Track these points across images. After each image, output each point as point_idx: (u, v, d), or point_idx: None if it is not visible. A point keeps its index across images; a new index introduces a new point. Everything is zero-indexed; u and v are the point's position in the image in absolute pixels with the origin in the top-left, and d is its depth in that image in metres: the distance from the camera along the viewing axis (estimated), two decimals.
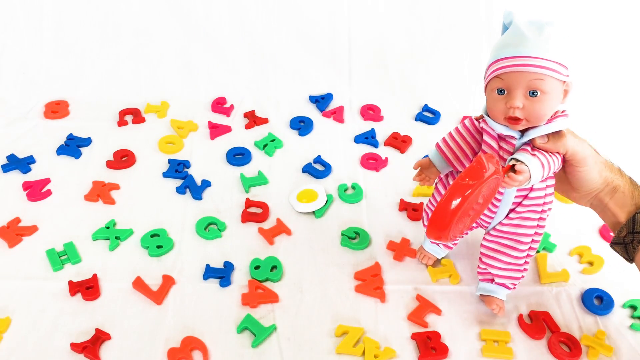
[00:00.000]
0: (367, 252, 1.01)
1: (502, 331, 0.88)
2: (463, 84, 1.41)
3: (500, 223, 0.84)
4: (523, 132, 0.76)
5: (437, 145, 0.85)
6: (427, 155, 0.87)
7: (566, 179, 0.81)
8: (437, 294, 0.94)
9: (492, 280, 0.90)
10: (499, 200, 0.82)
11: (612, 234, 0.81)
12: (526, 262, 0.87)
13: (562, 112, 0.76)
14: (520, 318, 0.90)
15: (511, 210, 0.83)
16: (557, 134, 0.75)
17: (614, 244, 0.81)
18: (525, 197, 0.81)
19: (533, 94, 0.71)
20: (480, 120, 0.81)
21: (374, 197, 1.12)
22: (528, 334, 0.88)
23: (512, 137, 0.76)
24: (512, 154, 0.76)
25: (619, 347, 0.87)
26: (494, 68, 0.73)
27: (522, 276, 0.88)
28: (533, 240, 0.85)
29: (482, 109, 0.79)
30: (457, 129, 0.84)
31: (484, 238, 0.88)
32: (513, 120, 0.73)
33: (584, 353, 0.86)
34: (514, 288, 0.89)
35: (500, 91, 0.73)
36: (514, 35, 0.72)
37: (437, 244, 0.97)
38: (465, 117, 0.84)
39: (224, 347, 0.85)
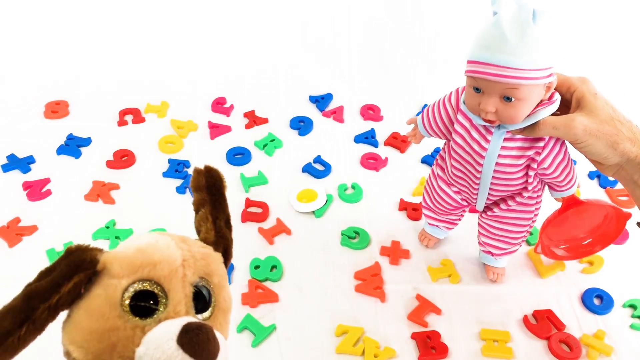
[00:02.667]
0: (367, 252, 1.01)
1: (502, 331, 0.88)
2: (463, 84, 1.40)
3: (500, 208, 0.85)
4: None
5: (423, 111, 0.86)
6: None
7: None
8: (437, 294, 0.94)
9: (491, 253, 0.93)
10: (478, 179, 0.81)
11: None
12: (525, 237, 0.90)
13: (549, 98, 0.73)
14: (525, 319, 0.90)
15: (504, 201, 0.84)
16: (532, 125, 0.73)
17: None
18: (517, 193, 0.82)
19: (508, 99, 0.69)
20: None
21: (374, 197, 1.12)
22: (535, 334, 0.88)
23: (490, 125, 0.75)
24: (488, 142, 0.76)
25: (619, 347, 0.87)
26: (470, 68, 0.70)
27: (520, 246, 0.92)
28: (531, 219, 0.87)
29: (462, 96, 0.78)
30: (442, 101, 0.84)
31: (479, 220, 0.91)
32: (486, 120, 0.73)
33: (584, 353, 0.86)
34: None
35: (476, 89, 0.72)
36: (494, 33, 0.66)
37: (437, 226, 0.98)
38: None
39: None
